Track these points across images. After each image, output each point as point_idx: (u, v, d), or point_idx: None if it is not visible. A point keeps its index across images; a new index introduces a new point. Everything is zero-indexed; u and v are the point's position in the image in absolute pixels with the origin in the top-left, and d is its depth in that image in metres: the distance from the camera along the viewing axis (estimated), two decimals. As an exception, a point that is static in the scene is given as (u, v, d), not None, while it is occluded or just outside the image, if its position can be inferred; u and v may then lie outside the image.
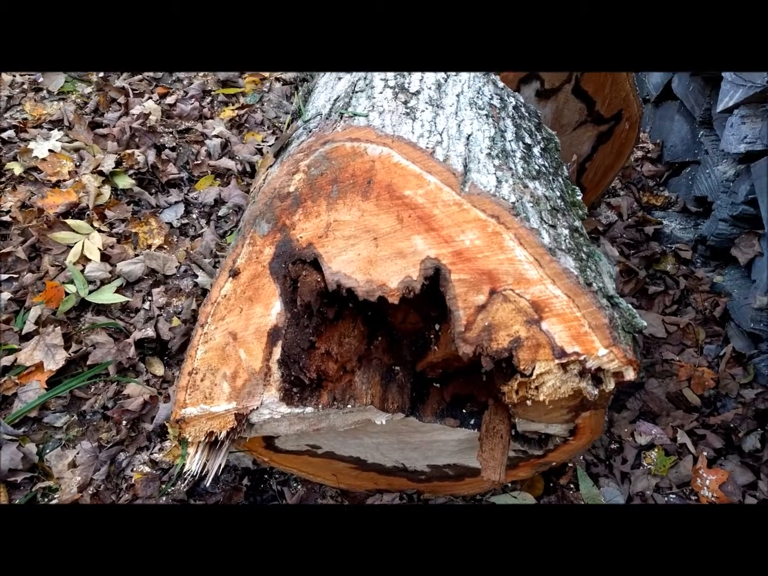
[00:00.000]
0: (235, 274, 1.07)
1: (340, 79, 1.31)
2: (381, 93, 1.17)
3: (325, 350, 1.06)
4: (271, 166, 1.18)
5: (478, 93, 1.26)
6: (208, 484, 1.12)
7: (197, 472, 1.08)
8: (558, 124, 1.76)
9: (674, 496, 1.46)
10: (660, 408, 1.63)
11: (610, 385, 0.91)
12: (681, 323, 1.83)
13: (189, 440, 1.10)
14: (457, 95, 1.21)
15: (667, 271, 1.99)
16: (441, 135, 1.05)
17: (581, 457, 1.51)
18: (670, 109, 2.38)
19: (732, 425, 1.57)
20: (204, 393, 1.08)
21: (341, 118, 1.11)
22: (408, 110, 1.10)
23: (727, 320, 1.87)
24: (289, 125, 1.31)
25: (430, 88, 1.20)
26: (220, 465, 1.11)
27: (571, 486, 1.47)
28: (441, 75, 1.26)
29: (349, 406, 1.05)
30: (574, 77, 1.65)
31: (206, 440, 1.09)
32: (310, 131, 1.14)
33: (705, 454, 1.52)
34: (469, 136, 1.09)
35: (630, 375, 0.90)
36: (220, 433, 1.08)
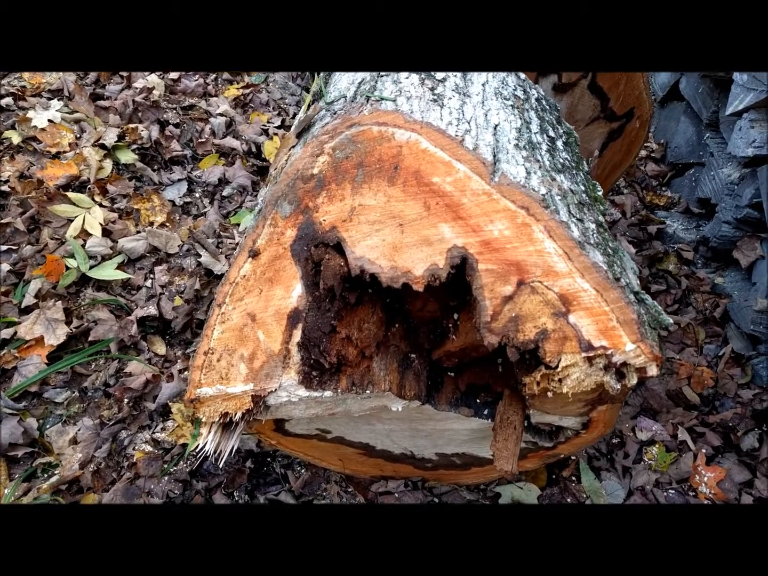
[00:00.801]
0: (255, 254, 1.05)
1: (363, 61, 1.29)
2: (407, 78, 1.15)
3: (345, 335, 1.05)
4: (293, 146, 1.16)
5: (503, 83, 1.25)
6: (221, 465, 1.12)
7: (210, 452, 1.07)
8: (572, 120, 1.76)
9: (673, 491, 1.49)
10: (660, 405, 1.66)
11: (633, 380, 0.91)
12: (682, 322, 1.86)
13: (203, 420, 1.09)
14: (483, 84, 1.20)
15: (670, 270, 2.01)
16: (469, 123, 1.04)
17: (584, 451, 1.53)
18: (676, 109, 2.40)
19: (730, 424, 1.60)
20: (220, 373, 1.06)
21: (368, 101, 1.10)
22: (435, 97, 1.09)
23: (726, 321, 1.90)
24: (309, 106, 1.29)
25: (455, 75, 1.19)
26: (233, 446, 1.10)
27: (573, 478, 1.49)
28: (466, 63, 1.25)
29: (367, 391, 1.05)
30: (591, 73, 1.65)
31: (220, 421, 1.09)
32: (334, 113, 1.13)
33: (704, 451, 1.55)
34: (497, 126, 1.08)
35: (653, 371, 0.90)
36: (235, 414, 1.07)
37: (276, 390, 1.04)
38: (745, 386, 1.71)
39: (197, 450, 1.06)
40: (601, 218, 1.10)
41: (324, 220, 1.01)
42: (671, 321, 0.94)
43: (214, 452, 1.08)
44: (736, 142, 1.88)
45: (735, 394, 1.69)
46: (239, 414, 1.07)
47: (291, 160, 1.10)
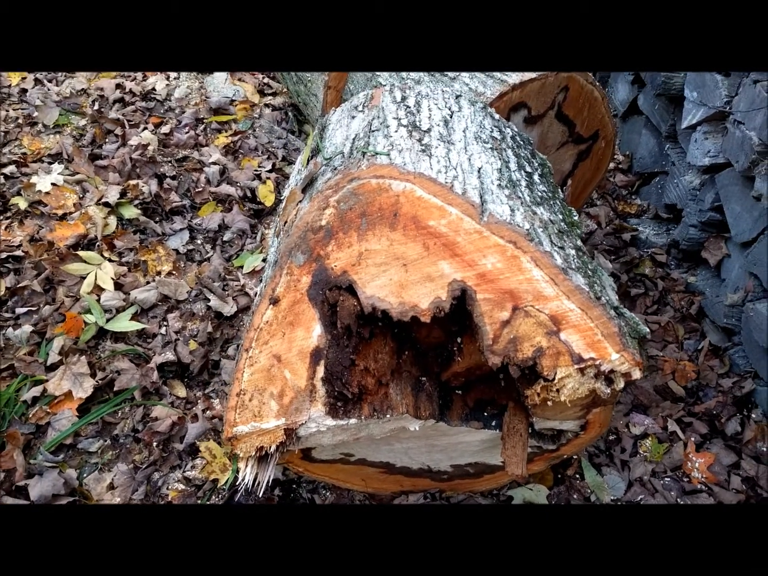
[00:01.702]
0: (275, 301, 1.17)
1: (353, 117, 1.43)
2: (396, 131, 1.29)
3: (363, 366, 1.17)
4: (300, 201, 1.29)
5: (481, 127, 1.40)
6: (260, 494, 1.22)
7: (248, 484, 1.18)
8: (543, 146, 1.91)
9: (669, 479, 1.62)
10: (649, 400, 1.80)
11: (621, 384, 1.05)
12: (662, 322, 2.01)
13: (240, 456, 1.20)
14: (464, 130, 1.34)
15: (646, 274, 2.17)
16: (456, 170, 1.18)
17: (584, 450, 1.66)
18: (637, 123, 2.58)
19: (714, 412, 1.74)
20: (253, 412, 1.17)
21: (363, 156, 1.23)
22: (423, 147, 1.23)
23: (702, 317, 2.06)
24: (308, 161, 1.42)
25: (438, 125, 1.33)
26: (269, 476, 1.21)
27: (577, 476, 1.62)
28: (446, 111, 1.39)
29: (387, 415, 1.17)
30: (557, 104, 1.81)
31: (256, 455, 1.20)
32: (335, 169, 1.26)
33: (693, 439, 1.70)
34: (480, 169, 1.22)
35: (637, 374, 1.04)
36: (270, 447, 1.18)
37: (306, 422, 1.15)
38: (724, 375, 1.86)
39: (237, 483, 1.17)
40: (579, 243, 1.24)
41: (335, 265, 1.14)
42: (648, 330, 1.08)
43: (253, 483, 1.19)
44: (693, 153, 2.05)
45: (716, 383, 1.84)
46: (274, 446, 1.18)
47: (300, 214, 1.23)
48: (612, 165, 2.64)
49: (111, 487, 1.56)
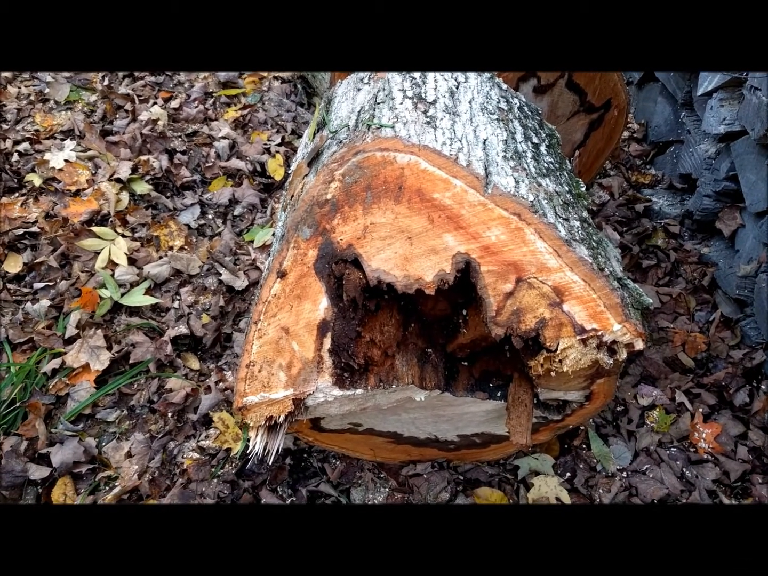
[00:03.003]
0: (282, 275, 1.19)
1: (359, 90, 1.42)
2: (401, 104, 1.28)
3: (369, 338, 1.19)
4: (306, 175, 1.30)
5: (487, 98, 1.38)
6: (270, 462, 1.26)
7: (259, 453, 1.22)
8: (553, 116, 1.89)
9: (675, 449, 1.63)
10: (658, 372, 1.80)
11: (623, 355, 1.05)
12: (673, 293, 2.00)
13: (251, 425, 1.23)
14: (470, 102, 1.33)
15: (658, 245, 2.15)
16: (461, 141, 1.17)
17: (591, 420, 1.67)
18: (653, 91, 2.52)
19: (723, 383, 1.74)
20: (262, 382, 1.20)
21: (368, 129, 1.23)
22: (428, 119, 1.22)
23: (714, 288, 2.04)
24: (314, 134, 1.42)
25: (444, 96, 1.32)
26: (279, 445, 1.24)
27: (584, 446, 1.63)
28: (452, 83, 1.37)
29: (393, 386, 1.19)
30: (568, 72, 1.77)
31: (266, 424, 1.23)
32: (340, 142, 1.26)
33: (701, 410, 1.70)
34: (485, 140, 1.21)
35: (639, 345, 1.05)
36: (279, 416, 1.21)
37: (313, 392, 1.18)
38: (735, 347, 1.85)
39: (248, 452, 1.20)
40: (585, 214, 1.24)
41: (341, 239, 1.15)
42: (651, 301, 1.08)
43: (263, 452, 1.23)
44: (708, 121, 2.01)
45: (726, 355, 1.83)
46: (282, 416, 1.21)
47: (306, 188, 1.24)
48: (627, 134, 2.59)
49: (129, 455, 1.62)
